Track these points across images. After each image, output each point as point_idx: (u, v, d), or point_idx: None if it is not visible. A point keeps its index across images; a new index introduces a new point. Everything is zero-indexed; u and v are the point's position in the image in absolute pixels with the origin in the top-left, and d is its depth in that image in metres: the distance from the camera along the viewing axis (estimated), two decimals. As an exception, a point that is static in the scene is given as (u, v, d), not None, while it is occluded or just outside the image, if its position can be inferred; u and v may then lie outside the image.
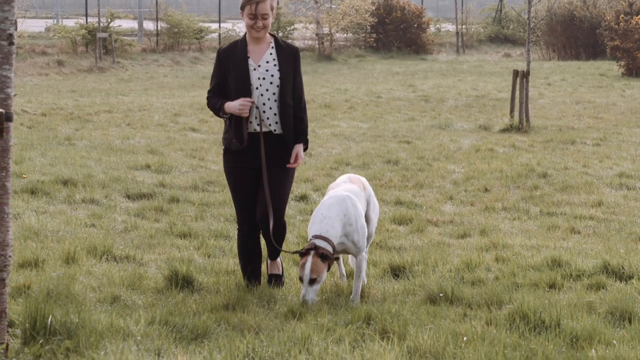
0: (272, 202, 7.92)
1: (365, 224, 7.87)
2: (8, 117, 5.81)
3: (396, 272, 8.78)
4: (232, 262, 9.16)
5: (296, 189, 13.39)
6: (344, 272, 8.49)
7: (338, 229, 7.69)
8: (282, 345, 6.19)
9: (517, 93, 20.45)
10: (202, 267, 8.64)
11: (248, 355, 5.95)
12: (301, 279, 7.51)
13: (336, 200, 7.80)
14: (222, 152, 8.20)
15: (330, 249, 7.59)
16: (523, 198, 12.87)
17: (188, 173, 14.27)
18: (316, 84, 30.70)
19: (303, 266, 7.50)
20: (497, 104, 25.56)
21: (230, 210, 11.86)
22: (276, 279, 8.28)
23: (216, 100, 8.05)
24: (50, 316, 6.17)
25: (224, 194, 13.02)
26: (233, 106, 7.90)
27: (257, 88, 8.01)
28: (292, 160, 8.02)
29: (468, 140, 18.75)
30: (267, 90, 8.02)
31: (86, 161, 15.05)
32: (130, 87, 30.60)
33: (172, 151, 16.65)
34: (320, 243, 7.60)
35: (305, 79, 31.76)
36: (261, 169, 7.94)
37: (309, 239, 7.71)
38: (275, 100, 8.03)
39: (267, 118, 8.02)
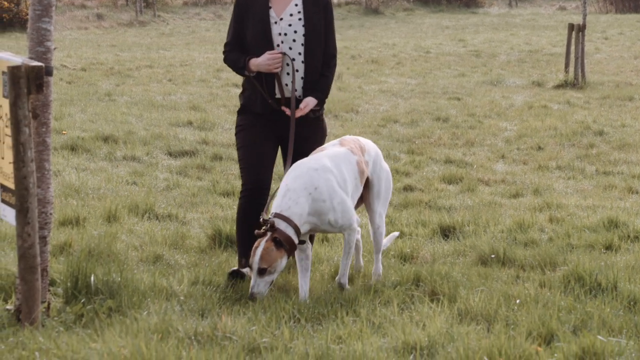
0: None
1: (345, 198, 6.69)
2: (48, 71, 5.83)
3: (446, 232, 8.75)
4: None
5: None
6: (361, 261, 7.44)
7: (304, 207, 6.55)
8: (328, 307, 6.20)
9: (573, 48, 20.21)
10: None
11: (294, 316, 5.97)
12: (250, 267, 6.50)
13: (304, 170, 6.66)
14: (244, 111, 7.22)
15: (291, 231, 6.46)
16: (578, 156, 12.75)
17: (231, 130, 14.28)
18: (363, 39, 30.52)
19: (254, 252, 6.44)
20: (551, 59, 25.29)
21: (276, 167, 11.87)
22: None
23: (237, 55, 7.11)
24: (92, 275, 6.22)
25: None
26: (260, 62, 6.98)
27: (277, 45, 7.07)
28: (301, 106, 7.03)
29: (521, 96, 18.59)
30: (290, 48, 7.07)
31: (127, 117, 15.12)
32: (171, 41, 30.65)
33: (214, 107, 16.67)
34: (279, 224, 6.46)
35: (351, 33, 31.65)
36: (282, 140, 7.14)
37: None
38: (302, 62, 7.09)
39: (290, 82, 7.06)
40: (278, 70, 6.97)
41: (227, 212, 9.31)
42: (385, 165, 7.22)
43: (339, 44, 24.52)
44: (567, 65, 20.43)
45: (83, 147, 12.57)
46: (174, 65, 23.25)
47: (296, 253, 6.66)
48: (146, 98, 17.56)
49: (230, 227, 8.17)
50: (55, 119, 14.53)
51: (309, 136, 7.12)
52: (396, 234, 7.87)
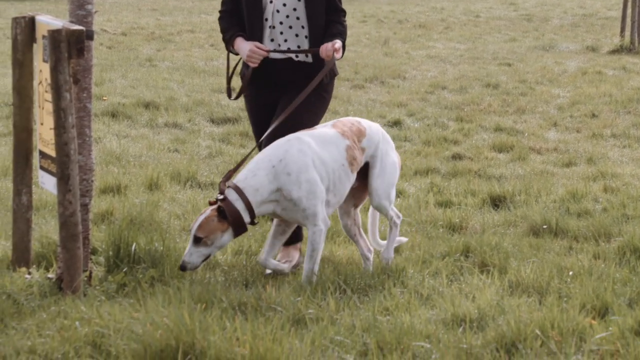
0: (278, 127, 6.44)
1: (317, 180, 6.10)
2: (89, 35, 5.84)
3: (496, 202, 8.70)
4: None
5: (389, 113, 13.33)
6: (366, 252, 6.68)
7: (262, 181, 6.04)
8: (375, 278, 6.19)
9: (629, 11, 19.95)
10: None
11: (340, 287, 5.97)
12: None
13: (278, 143, 6.19)
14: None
15: (240, 205, 6.00)
16: (634, 124, 12.61)
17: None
18: (410, 2, 30.35)
19: (196, 218, 6.12)
20: (607, 23, 25.00)
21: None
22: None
23: (227, 25, 6.70)
24: (134, 244, 6.26)
25: (313, 119, 13.02)
26: (243, 49, 6.56)
27: (270, 2, 6.60)
28: (329, 47, 6.48)
29: (574, 62, 18.41)
30: (284, 5, 6.61)
31: (168, 83, 15.16)
32: (213, 5, 30.63)
33: (257, 73, 16.66)
34: (230, 195, 6.05)
35: (398, -4, 31.48)
36: (276, 103, 6.72)
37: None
38: (297, 18, 6.60)
39: (285, 41, 6.62)
40: (254, 66, 6.54)
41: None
42: (394, 156, 6.59)
43: (385, 8, 24.46)
44: (622, 29, 20.18)
45: (124, 113, 12.63)
46: (216, 30, 23.26)
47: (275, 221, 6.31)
48: (188, 63, 17.59)
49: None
50: (95, 85, 14.58)
51: (310, 105, 6.60)
52: (404, 239, 7.06)
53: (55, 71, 5.61)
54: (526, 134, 12.07)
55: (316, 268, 6.15)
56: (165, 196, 8.62)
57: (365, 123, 6.54)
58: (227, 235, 6.00)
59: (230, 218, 5.96)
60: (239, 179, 6.07)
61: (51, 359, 4.65)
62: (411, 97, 14.68)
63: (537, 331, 5.06)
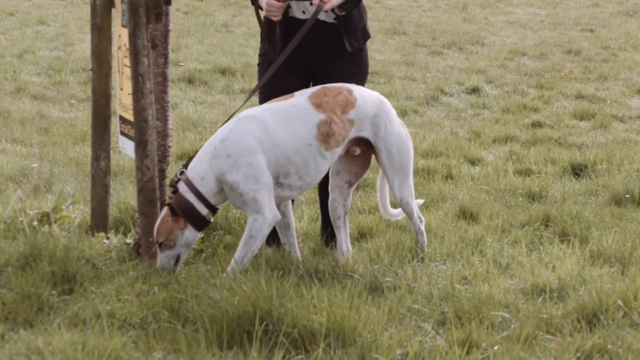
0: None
1: (261, 165, 5.48)
2: (166, 0, 5.86)
3: (577, 171, 8.60)
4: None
5: (467, 80, 13.22)
6: (344, 247, 6.03)
7: (205, 167, 5.49)
8: (453, 246, 6.17)
9: None
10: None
11: (417, 256, 5.95)
12: None
13: (229, 122, 5.65)
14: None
15: (191, 197, 5.49)
16: None
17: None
18: (489, -33, 30.00)
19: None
20: (692, -12, 24.49)
21: (397, 102, 11.81)
22: None
23: None
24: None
25: (390, 85, 12.98)
26: (262, 3, 5.94)
27: None
28: None
29: (659, 28, 18.08)
30: None
31: (244, 49, 15.20)
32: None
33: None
34: (181, 187, 5.53)
35: (477, -39, 31.07)
36: (311, 67, 6.10)
37: None
38: None
39: (311, 4, 5.96)
40: (276, 19, 5.90)
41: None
42: (399, 129, 5.84)
43: (465, -27, 24.12)
44: None
45: (200, 79, 12.70)
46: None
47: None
48: (264, 29, 17.60)
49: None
50: (172, 51, 14.69)
51: (345, 71, 6.05)
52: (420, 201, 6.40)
53: (133, 36, 5.65)
54: (608, 102, 11.90)
55: (247, 258, 5.46)
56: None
57: (358, 92, 5.76)
58: (189, 232, 5.48)
59: (181, 213, 5.45)
60: (190, 167, 5.54)
61: (130, 323, 4.71)
62: (490, 63, 14.54)
63: (620, 302, 5.00)
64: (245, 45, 15.56)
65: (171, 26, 6.00)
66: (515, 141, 9.89)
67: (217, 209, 5.56)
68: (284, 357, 4.28)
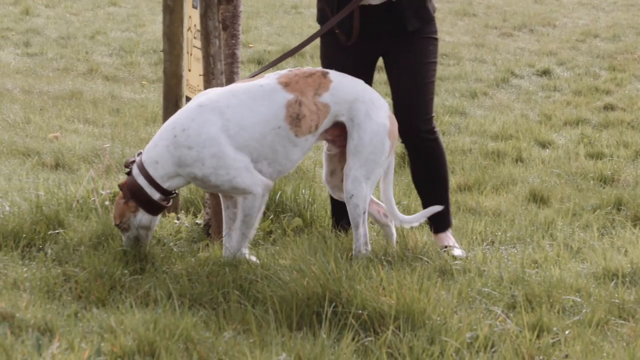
0: (410, 97, 5.59)
1: (229, 151, 5.15)
2: (238, -18, 5.87)
3: (649, 154, 8.49)
4: (468, 140, 9.09)
5: (538, 62, 13.10)
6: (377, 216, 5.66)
7: (162, 153, 5.19)
8: (523, 230, 6.12)
9: None
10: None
11: (486, 238, 5.92)
12: None
13: (189, 107, 5.31)
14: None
15: (142, 180, 5.23)
16: None
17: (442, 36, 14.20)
18: (561, -52, 29.66)
19: None
20: None
21: (467, 84, 11.74)
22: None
23: None
24: (280, 192, 6.31)
25: (460, 67, 12.90)
26: None
27: None
28: None
29: None
30: None
31: (314, 31, 15.17)
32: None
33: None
34: (134, 170, 5.30)
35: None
36: (378, 55, 5.66)
37: None
38: None
39: None
40: None
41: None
42: (382, 121, 5.35)
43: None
44: None
45: (269, 60, 12.70)
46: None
47: (222, 201, 5.49)
48: (333, 11, 17.58)
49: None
50: (241, 32, 14.75)
51: (409, 58, 5.58)
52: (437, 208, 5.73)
53: (204, 17, 5.67)
54: (683, 84, 11.72)
55: (250, 235, 5.32)
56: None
57: (335, 75, 5.37)
58: (141, 214, 5.25)
59: (131, 197, 5.24)
60: (145, 150, 5.29)
61: (200, 303, 4.74)
62: (561, 45, 14.38)
63: (693, 288, 4.93)
64: (314, 27, 15.54)
65: (241, 7, 6.01)
66: (586, 124, 9.79)
67: (172, 193, 5.28)
68: (353, 338, 4.28)
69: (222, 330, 4.40)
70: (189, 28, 5.99)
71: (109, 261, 5.09)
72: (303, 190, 6.28)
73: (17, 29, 15.30)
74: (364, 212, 5.33)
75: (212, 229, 5.77)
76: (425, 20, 5.60)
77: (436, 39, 5.67)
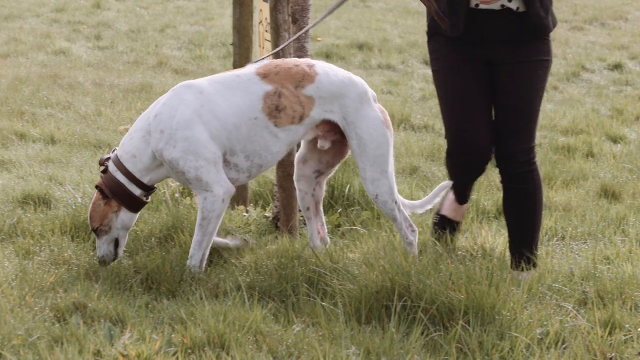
0: (515, 122, 5.15)
1: (200, 137, 4.96)
2: (308, -24, 5.88)
3: None
4: (539, 135, 9.01)
5: (609, 56, 12.95)
6: (315, 238, 5.47)
7: (138, 145, 5.03)
8: (594, 226, 6.05)
9: None
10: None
11: (557, 234, 5.87)
12: None
13: (165, 95, 5.14)
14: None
15: (121, 177, 5.05)
16: None
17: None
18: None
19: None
20: None
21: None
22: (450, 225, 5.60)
23: None
24: (349, 186, 6.32)
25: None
26: None
27: None
28: None
29: None
30: None
31: (382, 25, 15.17)
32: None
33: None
34: (110, 167, 5.10)
35: None
36: (491, 61, 5.12)
37: None
38: None
39: None
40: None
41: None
42: (375, 114, 5.18)
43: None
44: None
45: (338, 54, 12.73)
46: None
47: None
48: (402, 5, 17.53)
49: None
50: (309, 26, 14.78)
51: (530, 61, 5.13)
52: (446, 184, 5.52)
53: (275, 11, 5.68)
54: None
55: (206, 241, 5.05)
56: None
57: (321, 67, 5.19)
58: (124, 214, 5.08)
59: (112, 196, 5.04)
60: (120, 145, 5.12)
61: (269, 296, 4.76)
62: (634, 39, 14.20)
63: None
64: (382, 21, 15.53)
65: (311, 1, 6.02)
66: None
67: (152, 188, 5.11)
68: (422, 333, 4.27)
69: (291, 323, 4.42)
70: (261, 21, 6.01)
71: (178, 253, 5.13)
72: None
73: (88, 23, 15.48)
74: (395, 202, 5.19)
75: (280, 222, 5.79)
76: (542, 36, 5.09)
77: (549, 62, 5.17)
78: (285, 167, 5.72)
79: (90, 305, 4.47)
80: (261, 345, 4.18)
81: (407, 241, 5.24)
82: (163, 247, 5.31)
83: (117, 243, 5.13)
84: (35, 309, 4.42)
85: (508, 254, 5.35)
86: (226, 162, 5.09)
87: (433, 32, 5.14)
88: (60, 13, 16.36)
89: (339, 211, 6.12)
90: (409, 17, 16.00)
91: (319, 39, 13.66)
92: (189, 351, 4.10)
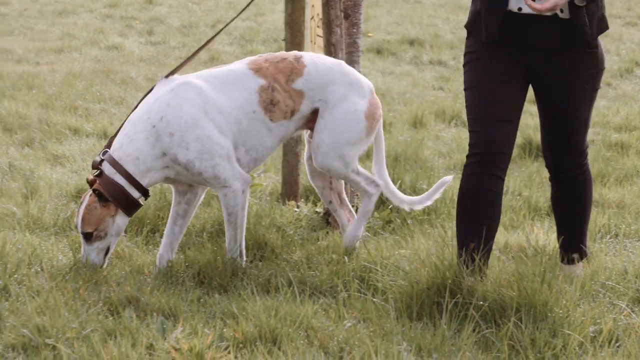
0: (564, 137, 4.87)
1: (213, 135, 4.94)
2: (360, -29, 5.88)
3: None
4: (591, 131, 8.94)
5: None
6: (344, 219, 5.45)
7: (142, 147, 4.95)
8: (647, 223, 6.00)
9: None
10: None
11: (610, 231, 5.82)
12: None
13: (160, 93, 5.04)
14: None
15: (120, 179, 4.94)
16: None
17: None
18: None
19: (77, 209, 5.04)
20: None
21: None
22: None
23: None
24: (399, 181, 6.31)
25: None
26: None
27: None
28: None
29: None
30: None
31: (433, 20, 15.12)
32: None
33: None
34: (107, 169, 4.97)
35: None
36: (533, 76, 4.78)
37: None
38: None
39: None
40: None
41: (537, 120, 9.11)
42: (360, 101, 5.17)
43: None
44: None
45: (389, 50, 12.71)
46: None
47: (173, 196, 5.24)
48: (453, 0, 17.47)
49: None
50: (360, 22, 14.77)
51: (576, 72, 4.74)
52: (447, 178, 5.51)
53: (326, 6, 5.69)
54: None
55: (240, 236, 5.08)
56: (430, 134, 8.63)
57: (309, 59, 5.18)
58: (121, 218, 4.96)
59: (111, 199, 4.92)
60: (114, 147, 4.97)
61: (320, 291, 4.76)
62: (688, 35, 14.06)
63: None
64: (434, 16, 15.48)
65: (364, -4, 6.01)
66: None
67: (148, 192, 5.01)
68: (473, 330, 4.25)
69: (342, 318, 4.41)
70: (312, 17, 6.02)
71: (230, 248, 5.15)
72: (421, 181, 6.26)
73: (141, 18, 15.58)
74: (352, 171, 5.19)
75: (331, 218, 5.79)
76: (583, 44, 4.71)
77: (598, 71, 4.81)
78: (336, 162, 5.71)
79: (142, 299, 4.50)
80: (312, 340, 4.18)
81: (366, 194, 5.29)
82: (214, 241, 5.33)
83: (107, 250, 5.00)
84: (89, 302, 4.46)
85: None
86: None
87: (469, 32, 4.85)
88: (113, 8, 16.48)
89: (389, 207, 6.11)
90: (461, 12, 15.93)
91: (370, 34, 13.65)
92: (240, 345, 4.12)
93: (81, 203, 4.96)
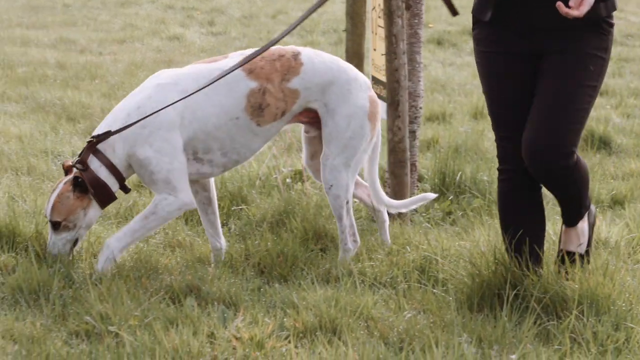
0: (546, 119, 4.31)
1: (177, 145, 4.81)
2: (422, -39, 5.85)
3: None
4: None
5: None
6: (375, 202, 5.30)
7: (115, 136, 4.81)
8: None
9: None
10: (621, 127, 8.38)
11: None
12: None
13: (146, 85, 4.91)
14: None
15: (104, 172, 4.79)
16: None
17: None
18: None
19: (49, 196, 4.88)
20: None
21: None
22: (571, 258, 4.61)
23: None
24: (460, 172, 6.28)
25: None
26: None
27: None
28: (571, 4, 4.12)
29: None
30: None
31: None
32: None
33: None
34: (92, 162, 4.81)
35: None
36: (539, 53, 4.37)
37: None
38: None
39: None
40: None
41: (600, 112, 9.03)
42: (362, 102, 4.99)
43: None
44: None
45: (449, 41, 12.65)
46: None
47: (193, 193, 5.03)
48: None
49: (603, 128, 7.95)
50: (421, 12, 14.71)
51: (583, 54, 4.33)
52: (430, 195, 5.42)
53: (388, -3, 5.66)
54: None
55: (139, 234, 4.84)
56: (490, 125, 8.55)
57: (307, 57, 4.99)
58: (93, 210, 4.81)
59: (92, 190, 4.77)
60: (99, 131, 4.85)
61: (380, 282, 4.76)
62: None
63: None
64: (494, 7, 15.38)
65: (425, -13, 5.99)
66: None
67: (124, 180, 4.88)
68: (534, 322, 4.22)
69: (402, 309, 4.41)
70: (374, 7, 6.00)
71: (290, 238, 5.15)
72: (481, 172, 6.23)
73: (202, 9, 15.65)
74: (347, 202, 4.99)
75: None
76: (592, 22, 4.30)
77: (604, 60, 4.38)
78: (396, 153, 5.71)
79: (203, 287, 4.53)
80: (372, 330, 4.18)
81: (344, 247, 5.04)
82: (274, 231, 5.34)
83: (75, 242, 4.85)
84: (151, 290, 4.50)
85: (623, 243, 5.25)
86: (198, 159, 4.91)
87: (476, 20, 4.53)
88: (174, -1, 16.57)
89: (450, 198, 6.09)
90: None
91: (430, 25, 13.58)
92: (301, 335, 4.12)
93: (54, 190, 4.81)
